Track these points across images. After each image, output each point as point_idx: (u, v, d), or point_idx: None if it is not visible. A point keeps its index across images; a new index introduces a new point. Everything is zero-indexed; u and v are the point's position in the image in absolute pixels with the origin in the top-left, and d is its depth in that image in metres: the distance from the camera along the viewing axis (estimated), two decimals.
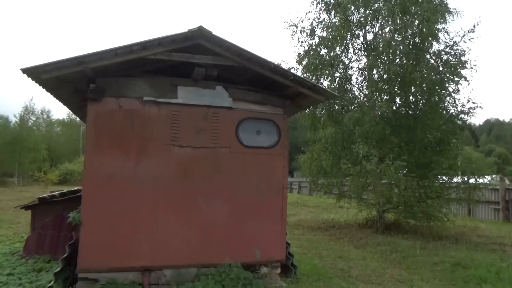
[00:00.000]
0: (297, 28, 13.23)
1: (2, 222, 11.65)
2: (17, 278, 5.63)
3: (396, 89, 12.01)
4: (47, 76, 4.61)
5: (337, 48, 12.93)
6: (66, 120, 56.37)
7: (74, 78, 5.11)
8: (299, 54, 13.09)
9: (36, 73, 4.58)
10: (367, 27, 12.64)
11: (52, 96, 5.78)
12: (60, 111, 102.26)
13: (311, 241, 10.25)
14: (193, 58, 5.29)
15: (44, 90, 5.39)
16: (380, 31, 12.42)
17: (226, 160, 5.54)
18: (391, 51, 11.28)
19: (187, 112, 5.42)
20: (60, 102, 6.36)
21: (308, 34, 13.10)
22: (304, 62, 13.04)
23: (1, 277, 5.71)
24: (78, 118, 54.20)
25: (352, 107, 12.33)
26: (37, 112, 44.82)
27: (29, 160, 37.25)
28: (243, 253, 5.45)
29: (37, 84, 5.05)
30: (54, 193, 7.85)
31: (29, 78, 4.76)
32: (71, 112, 57.15)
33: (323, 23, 13.08)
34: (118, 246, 4.94)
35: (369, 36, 12.68)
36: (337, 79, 12.90)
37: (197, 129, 5.44)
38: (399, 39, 11.49)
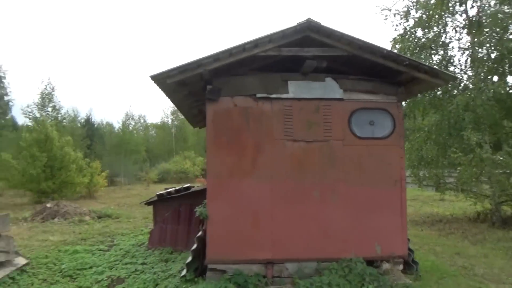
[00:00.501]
0: (390, 11, 12.53)
1: (121, 217, 13.00)
2: (150, 267, 6.20)
3: (507, 67, 10.70)
4: (171, 80, 4.96)
5: (435, 28, 11.94)
6: (159, 123, 61.08)
7: (191, 81, 5.42)
8: (394, 38, 12.38)
9: (163, 79, 4.95)
10: (469, 2, 11.45)
11: (169, 99, 6.22)
12: (153, 115, 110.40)
13: (419, 236, 9.65)
14: (302, 51, 5.26)
15: (164, 94, 5.83)
16: (485, 4, 11.16)
17: (340, 153, 5.43)
18: (502, 25, 10.07)
19: (298, 106, 5.43)
20: (174, 105, 6.81)
21: (402, 16, 12.31)
22: (398, 46, 12.32)
23: (137, 265, 6.34)
24: (170, 121, 58.18)
25: (456, 90, 11.30)
26: (135, 117, 49.32)
27: (132, 161, 41.05)
28: (362, 247, 5.30)
29: (160, 89, 5.47)
30: (169, 190, 8.49)
31: (155, 84, 5.17)
32: (164, 116, 61.84)
33: (419, 3, 12.18)
34: (242, 239, 5.15)
35: (472, 12, 11.49)
36: (437, 61, 11.93)
37: (309, 122, 5.41)
38: (509, 11, 10.20)
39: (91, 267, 6.38)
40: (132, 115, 46.86)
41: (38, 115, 28.67)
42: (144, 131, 55.52)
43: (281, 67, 5.70)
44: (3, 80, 30.92)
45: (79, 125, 37.35)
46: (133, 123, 47.55)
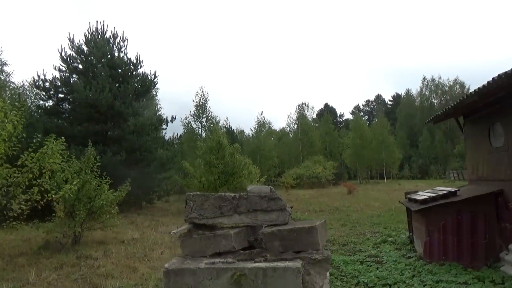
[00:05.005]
0: None
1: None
2: None
3: None
4: None
5: None
6: (284, 128, 62.24)
7: None
8: None
9: None
10: None
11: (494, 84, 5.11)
12: (276, 121, 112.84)
13: None
14: None
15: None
16: None
17: None
18: None
19: None
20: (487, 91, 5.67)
21: None
22: None
23: (453, 285, 5.32)
24: (295, 126, 58.37)
25: None
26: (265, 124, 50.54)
27: (267, 167, 41.90)
28: None
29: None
30: (429, 195, 7.40)
31: None
32: (289, 121, 62.98)
33: None
34: None
35: None
36: None
37: None
38: None
39: (395, 284, 5.56)
40: (264, 122, 48.04)
41: (194, 125, 31.08)
42: (269, 137, 56.67)
43: None
44: (155, 97, 34.40)
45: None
46: (264, 131, 48.69)
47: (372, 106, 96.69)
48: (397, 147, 54.75)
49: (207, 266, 4.45)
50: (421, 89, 73.33)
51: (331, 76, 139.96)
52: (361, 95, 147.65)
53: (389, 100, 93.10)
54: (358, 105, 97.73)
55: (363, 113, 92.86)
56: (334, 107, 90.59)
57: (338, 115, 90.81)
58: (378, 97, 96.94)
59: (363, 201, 20.63)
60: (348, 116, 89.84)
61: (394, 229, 10.56)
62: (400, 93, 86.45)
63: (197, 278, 4.44)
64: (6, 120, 6.89)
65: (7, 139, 7.63)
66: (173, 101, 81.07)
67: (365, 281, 5.74)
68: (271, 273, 4.27)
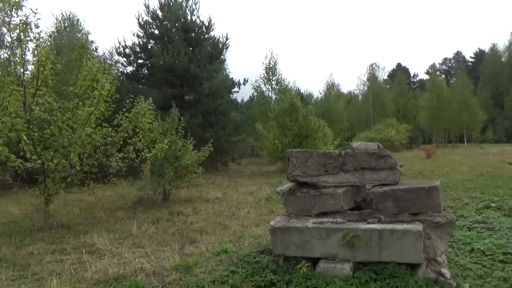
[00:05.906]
0: None
1: None
2: None
3: None
4: None
5: None
6: (347, 93, 59.72)
7: None
8: None
9: None
10: None
11: None
12: (345, 84, 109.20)
13: None
14: None
15: None
16: None
17: None
18: None
19: None
20: None
21: None
22: None
23: None
24: (365, 88, 55.87)
25: None
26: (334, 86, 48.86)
27: (337, 130, 40.85)
28: None
29: None
30: None
31: None
32: (359, 83, 60.39)
33: None
34: None
35: None
36: None
37: None
38: None
39: None
40: (333, 84, 46.43)
41: (264, 88, 30.89)
42: (338, 100, 54.86)
43: None
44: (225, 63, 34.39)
45: None
46: (333, 93, 47.14)
47: (450, 65, 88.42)
48: (481, 108, 49.93)
49: (315, 226, 4.25)
50: (510, 43, 64.69)
51: (403, 34, 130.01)
52: (438, 53, 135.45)
53: (471, 57, 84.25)
54: (434, 63, 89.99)
55: (440, 72, 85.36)
56: (407, 67, 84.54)
57: (411, 75, 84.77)
58: (458, 54, 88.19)
59: (447, 165, 19.15)
60: (422, 76, 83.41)
61: (494, 194, 9.58)
62: (483, 49, 77.69)
63: (304, 237, 4.27)
64: (105, 81, 7.16)
65: (106, 99, 8.00)
66: (239, 66, 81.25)
67: (481, 248, 5.19)
68: (388, 236, 3.95)
